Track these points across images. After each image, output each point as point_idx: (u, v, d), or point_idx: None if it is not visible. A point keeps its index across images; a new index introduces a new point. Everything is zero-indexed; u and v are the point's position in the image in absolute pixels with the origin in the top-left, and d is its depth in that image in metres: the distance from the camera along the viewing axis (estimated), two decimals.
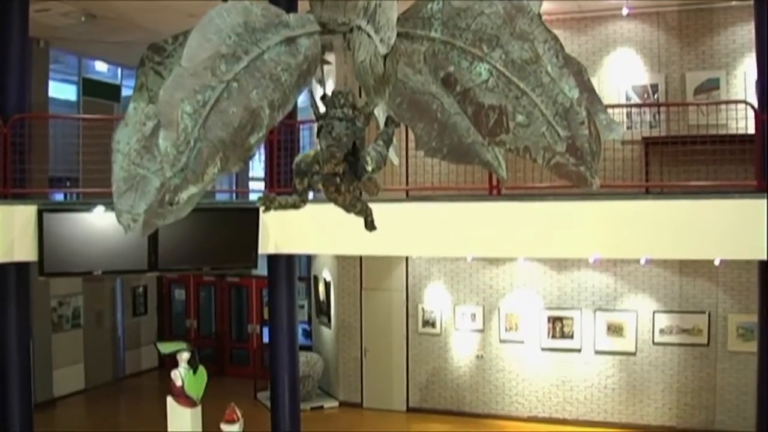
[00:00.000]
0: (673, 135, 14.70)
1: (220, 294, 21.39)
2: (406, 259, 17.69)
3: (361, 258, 18.03)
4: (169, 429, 12.75)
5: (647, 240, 11.18)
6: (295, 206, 5.43)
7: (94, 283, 19.41)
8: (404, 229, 11.73)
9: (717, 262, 15.69)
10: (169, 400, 12.75)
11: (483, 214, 11.64)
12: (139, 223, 5.20)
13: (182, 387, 12.73)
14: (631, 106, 15.51)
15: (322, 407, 18.12)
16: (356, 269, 18.16)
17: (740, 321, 15.87)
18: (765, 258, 10.77)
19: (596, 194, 11.84)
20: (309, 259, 20.29)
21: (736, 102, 12.80)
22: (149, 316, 21.60)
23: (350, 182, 5.12)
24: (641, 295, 16.43)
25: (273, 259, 13.49)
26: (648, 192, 12.85)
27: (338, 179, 5.06)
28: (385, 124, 5.90)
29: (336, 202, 5.37)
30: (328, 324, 19.03)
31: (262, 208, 5.38)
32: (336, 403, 18.34)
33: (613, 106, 13.45)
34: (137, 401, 19.16)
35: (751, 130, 13.03)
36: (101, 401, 18.91)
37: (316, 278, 19.80)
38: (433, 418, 17.29)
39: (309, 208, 12.06)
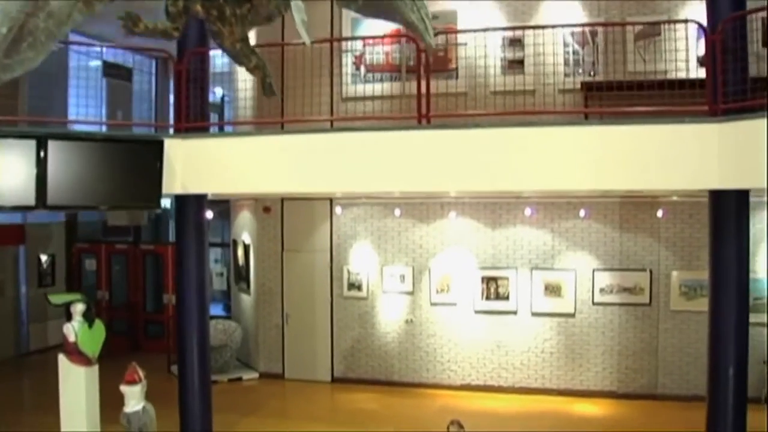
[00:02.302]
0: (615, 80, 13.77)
1: (133, 263, 19.92)
2: (331, 217, 16.55)
3: (282, 216, 16.85)
4: (60, 390, 11.42)
5: (589, 170, 10.29)
6: (166, 34, 4.29)
7: None
8: (328, 162, 10.88)
9: (660, 214, 14.96)
10: (61, 357, 11.43)
11: (412, 144, 10.69)
12: None
13: (75, 342, 11.39)
14: (566, 26, 14.53)
15: (240, 379, 16.84)
16: (277, 230, 16.93)
17: (683, 278, 15.06)
18: (717, 187, 9.98)
19: (532, 122, 10.98)
20: (228, 223, 19.02)
21: (685, 21, 11.83)
22: (57, 288, 19.91)
23: (237, 4, 4.01)
24: (580, 253, 15.49)
25: (181, 203, 12.30)
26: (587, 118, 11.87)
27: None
28: None
29: (223, 42, 4.23)
30: (248, 290, 17.73)
31: (124, 30, 4.29)
32: (256, 375, 17.05)
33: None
34: (42, 378, 17.39)
35: (694, 75, 12.26)
36: (1, 379, 17.34)
37: (235, 242, 18.51)
38: (360, 388, 16.10)
39: (220, 143, 11.07)
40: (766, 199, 14.55)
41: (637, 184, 10.35)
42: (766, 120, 9.30)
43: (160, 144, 11.44)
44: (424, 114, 10.99)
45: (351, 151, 10.90)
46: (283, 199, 16.70)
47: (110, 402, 11.56)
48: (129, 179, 11.27)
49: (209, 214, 16.92)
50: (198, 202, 12.30)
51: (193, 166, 11.70)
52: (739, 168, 9.78)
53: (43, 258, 19.64)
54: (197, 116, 12.15)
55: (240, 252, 18.01)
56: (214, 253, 20.09)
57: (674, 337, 15.14)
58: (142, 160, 11.32)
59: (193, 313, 12.39)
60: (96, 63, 20.43)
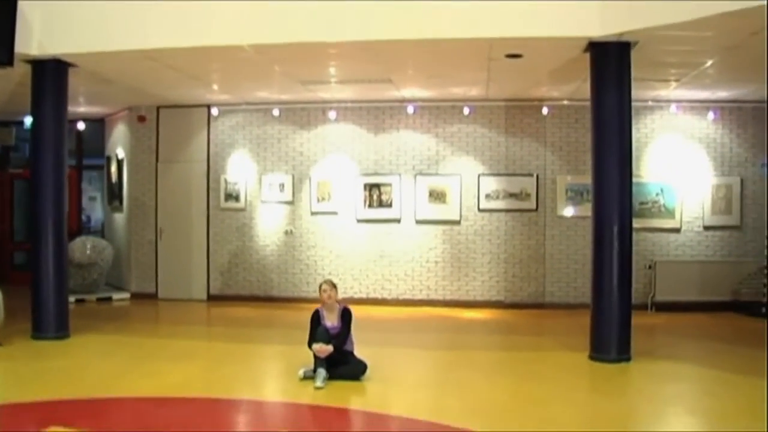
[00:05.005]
0: None
1: (0, 189, 18.69)
2: (208, 125, 15.72)
3: (157, 126, 15.95)
4: None
5: (463, 17, 9.79)
6: None
7: None
8: (204, 11, 10.24)
9: (545, 111, 14.56)
10: None
11: None
12: None
13: None
14: None
15: (110, 299, 15.80)
16: (152, 140, 15.95)
17: (569, 183, 14.69)
18: (598, 34, 9.62)
19: None
20: (103, 141, 17.95)
21: None
22: None
23: None
24: (465, 158, 14.99)
25: (38, 75, 11.34)
26: None
27: None
28: None
29: None
30: (121, 207, 16.73)
31: None
32: (127, 295, 16.05)
33: None
34: None
35: None
36: None
37: (108, 159, 17.47)
38: (237, 304, 15.24)
39: None
40: (651, 103, 14.45)
41: (518, 30, 9.81)
42: None
43: None
44: None
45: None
46: (158, 108, 15.82)
47: None
48: None
49: (81, 125, 16.15)
50: (58, 73, 11.36)
51: (52, 24, 10.77)
52: (619, 12, 9.43)
53: None
54: None
55: (113, 168, 17.01)
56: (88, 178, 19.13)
57: (561, 244, 14.78)
58: None
59: (48, 202, 11.43)
60: None
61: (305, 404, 8.16)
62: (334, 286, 9.32)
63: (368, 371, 9.02)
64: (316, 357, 8.80)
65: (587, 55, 10.34)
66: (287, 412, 8.10)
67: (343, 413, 7.97)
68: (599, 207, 10.22)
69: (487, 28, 9.79)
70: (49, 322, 11.39)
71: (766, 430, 5.73)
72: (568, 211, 14.69)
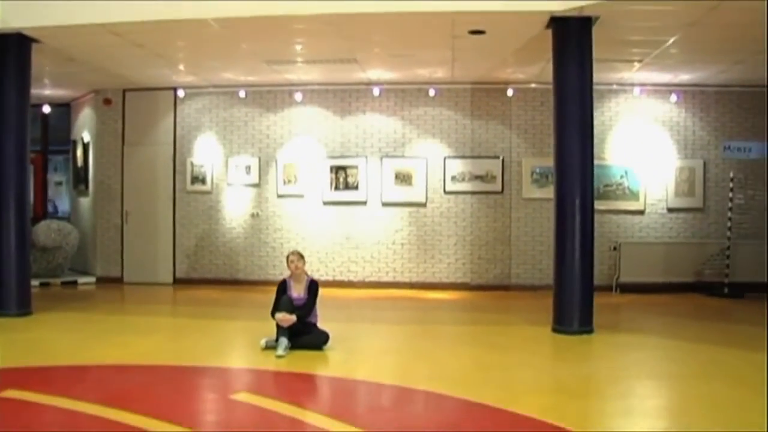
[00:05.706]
0: None
1: None
2: (175, 108, 15.64)
3: (123, 109, 15.83)
4: None
5: None
6: None
7: None
8: None
9: (510, 93, 14.66)
10: None
11: None
12: None
13: None
14: None
15: (75, 283, 15.66)
16: (118, 124, 15.82)
17: (534, 165, 14.77)
18: (560, 9, 9.68)
19: None
20: (69, 128, 17.81)
21: None
22: None
23: None
24: (431, 141, 15.04)
25: (0, 48, 11.21)
26: None
27: None
28: None
29: None
30: (86, 191, 16.58)
31: None
32: (92, 279, 15.89)
33: None
34: None
35: None
36: None
37: (74, 143, 17.31)
38: (203, 287, 15.16)
39: None
40: (615, 86, 14.59)
41: (479, 4, 9.83)
42: None
43: None
44: None
45: None
46: (124, 91, 15.71)
47: None
48: None
49: (46, 109, 16.09)
50: (22, 48, 11.25)
51: None
52: None
53: None
54: None
55: (79, 152, 16.85)
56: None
57: (527, 226, 14.85)
58: None
59: (11, 182, 11.32)
60: None
61: (268, 370, 8.18)
62: (301, 256, 9.38)
63: (331, 342, 9.05)
64: (278, 326, 8.81)
65: (550, 33, 10.41)
66: (249, 377, 8.11)
67: (306, 378, 7.96)
68: (562, 178, 10.30)
69: (449, 2, 9.80)
70: (11, 300, 11.31)
71: (766, 430, 5.81)
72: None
